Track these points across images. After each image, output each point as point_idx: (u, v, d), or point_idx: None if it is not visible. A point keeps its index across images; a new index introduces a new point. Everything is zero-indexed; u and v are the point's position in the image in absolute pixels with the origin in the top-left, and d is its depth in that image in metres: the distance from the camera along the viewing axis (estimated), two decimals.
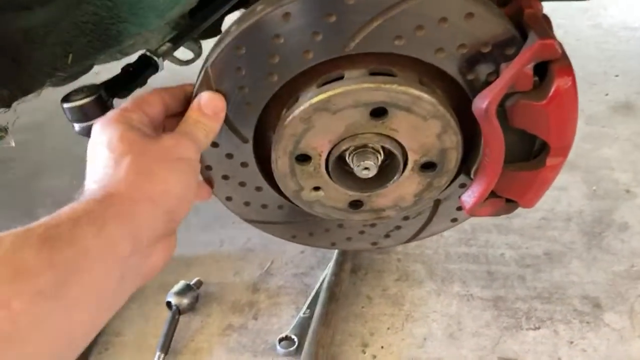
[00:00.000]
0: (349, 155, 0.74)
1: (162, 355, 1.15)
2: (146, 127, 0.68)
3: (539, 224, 1.42)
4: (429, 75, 0.71)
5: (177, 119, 0.73)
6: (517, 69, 0.63)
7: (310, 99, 0.70)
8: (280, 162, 0.75)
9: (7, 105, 0.99)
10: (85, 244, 0.52)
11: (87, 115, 0.82)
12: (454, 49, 0.66)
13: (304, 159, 0.75)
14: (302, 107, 0.70)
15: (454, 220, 0.92)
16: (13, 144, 0.92)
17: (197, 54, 1.24)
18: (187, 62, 1.21)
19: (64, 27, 0.95)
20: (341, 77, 0.71)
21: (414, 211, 0.87)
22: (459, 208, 0.91)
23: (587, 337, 1.14)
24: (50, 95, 1.04)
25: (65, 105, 0.84)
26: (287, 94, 0.73)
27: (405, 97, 0.69)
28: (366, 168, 0.73)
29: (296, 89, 0.72)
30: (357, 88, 0.68)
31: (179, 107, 0.74)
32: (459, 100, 0.73)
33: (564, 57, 0.65)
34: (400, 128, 0.72)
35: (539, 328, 1.18)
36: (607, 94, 1.87)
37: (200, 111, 0.71)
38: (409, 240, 0.96)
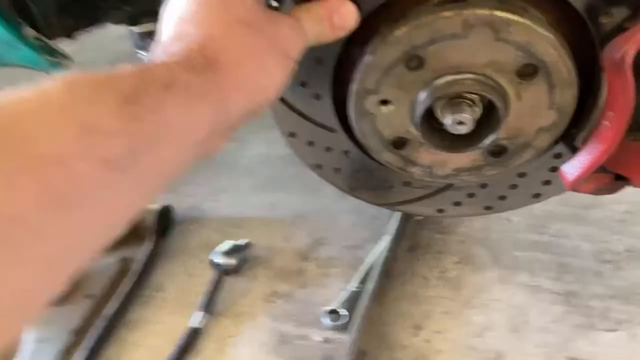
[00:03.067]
0: (442, 105, 0.64)
1: (204, 315, 1.10)
2: None
3: (622, 217, 1.28)
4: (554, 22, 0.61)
5: None
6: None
7: (493, 9, 0.58)
8: (389, 49, 0.63)
9: (71, 35, 0.94)
10: (170, 117, 0.44)
11: None
12: None
13: (415, 65, 0.64)
14: (478, 11, 0.58)
15: (537, 195, 0.81)
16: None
17: None
18: None
19: None
20: (525, 9, 0.60)
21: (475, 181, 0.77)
22: (546, 182, 0.80)
23: None
24: None
25: (136, 29, 0.77)
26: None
27: (566, 74, 0.59)
28: (461, 122, 0.62)
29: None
30: (542, 33, 0.58)
31: None
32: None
33: None
34: (525, 99, 0.62)
35: (615, 330, 1.06)
36: None
37: (329, 13, 0.59)
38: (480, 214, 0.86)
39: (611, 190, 0.71)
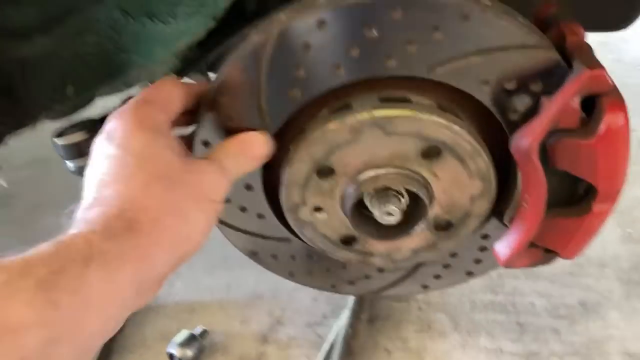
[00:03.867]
0: (370, 197, 0.66)
1: None
2: (171, 135, 0.58)
3: (571, 270, 1.31)
4: (466, 110, 0.64)
5: (184, 115, 0.64)
6: (562, 103, 0.55)
7: (372, 110, 0.61)
8: (298, 167, 0.66)
9: (1, 139, 0.93)
10: (91, 293, 0.44)
11: (83, 152, 0.75)
12: (498, 81, 0.59)
13: (325, 173, 0.66)
14: (359, 116, 0.61)
15: (470, 273, 0.82)
16: (5, 185, 0.86)
17: None
18: None
19: (64, 57, 0.90)
20: (406, 100, 0.62)
21: (403, 265, 0.78)
22: (477, 260, 0.82)
23: None
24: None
25: (59, 141, 0.78)
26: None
27: (467, 146, 0.61)
28: (389, 213, 0.64)
29: (346, 95, 0.64)
30: (427, 119, 0.60)
31: (192, 105, 0.65)
32: (491, 139, 0.65)
33: (614, 89, 0.57)
34: (443, 176, 0.64)
35: None
36: (634, 130, 1.78)
37: (245, 147, 0.62)
38: (415, 294, 0.86)
39: (545, 262, 0.73)
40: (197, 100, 0.66)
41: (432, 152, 0.62)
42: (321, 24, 0.56)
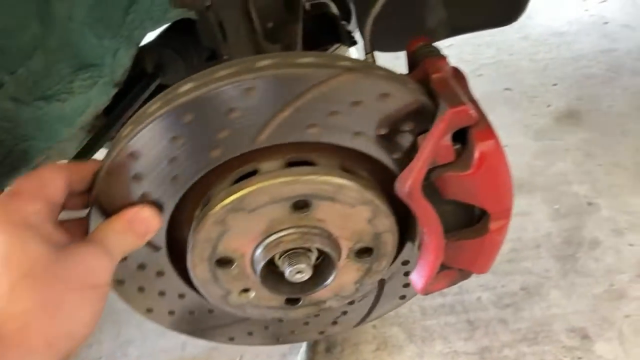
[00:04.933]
0: (279, 257, 0.66)
1: None
2: (47, 224, 0.54)
3: (510, 257, 1.36)
4: (351, 157, 0.65)
5: (78, 197, 0.61)
6: (433, 144, 0.57)
7: (222, 200, 0.62)
8: (199, 269, 0.67)
9: None
10: None
11: None
12: (372, 131, 0.60)
13: (225, 262, 0.67)
14: (214, 210, 0.62)
15: (403, 297, 0.84)
16: None
17: None
18: None
19: None
20: (256, 171, 0.63)
21: (358, 297, 0.79)
22: (406, 285, 0.84)
23: None
24: None
25: None
26: (200, 192, 0.65)
27: (326, 187, 0.62)
28: (299, 272, 0.65)
29: (209, 186, 0.64)
30: (272, 183, 0.61)
31: (84, 185, 0.62)
32: (389, 177, 0.66)
33: (481, 119, 0.59)
34: (327, 218, 0.65)
35: None
36: (549, 105, 1.86)
37: (130, 224, 0.60)
38: (358, 325, 0.88)
39: (462, 278, 0.75)
40: (90, 178, 0.64)
41: (302, 205, 0.63)
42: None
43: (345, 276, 0.72)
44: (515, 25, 2.50)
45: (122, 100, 1.12)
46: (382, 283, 0.81)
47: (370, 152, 0.62)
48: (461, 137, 0.61)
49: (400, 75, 0.61)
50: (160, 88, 1.16)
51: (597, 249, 1.32)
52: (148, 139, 0.58)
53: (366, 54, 0.75)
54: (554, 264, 1.31)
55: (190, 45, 1.17)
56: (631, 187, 1.45)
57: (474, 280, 1.32)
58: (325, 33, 1.40)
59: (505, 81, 2.03)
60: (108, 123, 1.09)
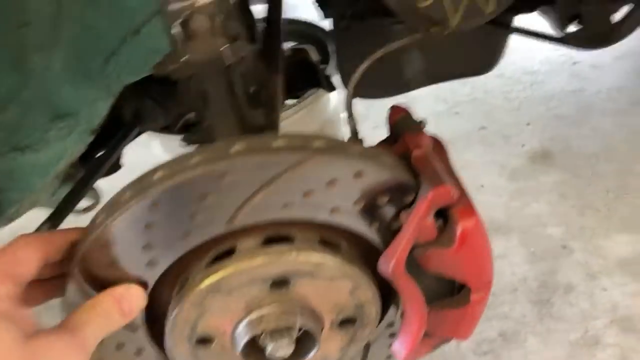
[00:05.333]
0: (260, 334, 0.66)
1: None
2: (18, 308, 0.52)
3: (488, 302, 1.36)
4: (331, 229, 0.65)
5: (52, 266, 0.59)
6: (416, 224, 0.58)
7: (199, 283, 0.61)
8: (178, 349, 0.65)
9: None
10: None
11: None
12: (350, 206, 0.61)
13: (205, 340, 0.66)
14: (191, 293, 0.61)
15: (389, 357, 0.84)
16: None
17: (96, 199, 1.15)
18: (86, 210, 1.12)
19: None
20: (233, 249, 0.63)
21: None
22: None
23: None
24: None
25: None
26: (177, 272, 0.64)
27: (305, 265, 0.62)
28: (281, 349, 0.64)
29: (186, 266, 0.64)
30: (249, 265, 0.61)
31: (59, 255, 0.60)
32: (370, 246, 0.67)
33: (462, 196, 0.60)
34: (307, 293, 0.65)
35: None
36: (523, 145, 1.90)
37: (117, 303, 0.58)
38: None
39: (444, 342, 0.76)
40: (65, 248, 0.60)
41: (281, 283, 0.63)
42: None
43: (328, 345, 0.72)
44: None
45: (96, 145, 1.11)
46: (367, 346, 0.81)
47: (349, 225, 0.63)
48: (442, 212, 0.62)
49: (377, 151, 0.61)
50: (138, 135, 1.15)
51: (571, 293, 1.34)
52: (121, 229, 0.57)
53: (347, 104, 0.76)
54: (530, 309, 1.33)
55: (170, 95, 1.17)
56: (603, 230, 1.49)
57: None
58: (305, 78, 1.41)
59: (481, 119, 2.07)
60: (87, 175, 1.08)
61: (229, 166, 0.55)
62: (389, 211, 0.63)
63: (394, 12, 0.79)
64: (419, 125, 0.69)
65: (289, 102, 1.61)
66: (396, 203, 0.62)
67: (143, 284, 0.61)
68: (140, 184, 0.56)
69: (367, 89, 1.30)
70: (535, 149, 1.88)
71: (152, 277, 0.62)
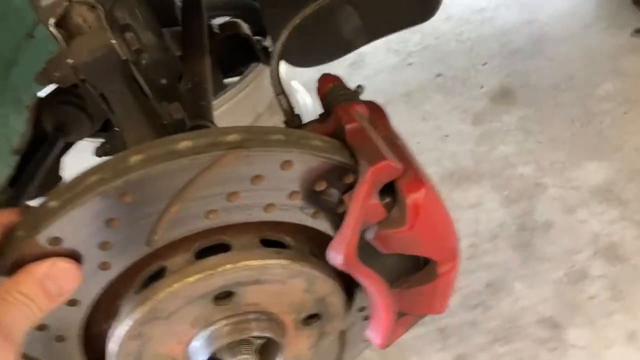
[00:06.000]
0: (218, 351, 0.60)
1: None
2: None
3: (470, 253, 1.34)
4: (271, 226, 0.59)
5: None
6: (359, 208, 0.52)
7: (130, 313, 0.55)
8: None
9: None
10: None
11: None
12: (285, 199, 0.54)
13: None
14: (124, 326, 0.55)
15: (367, 340, 0.80)
16: None
17: None
18: None
19: None
20: (163, 269, 0.56)
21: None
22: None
23: None
24: None
25: None
26: (111, 300, 0.58)
27: (247, 272, 0.56)
28: None
29: (115, 294, 0.57)
30: (183, 285, 0.54)
31: None
32: (318, 234, 0.61)
33: (408, 166, 0.54)
34: (258, 300, 0.59)
35: None
36: (482, 87, 1.85)
37: (40, 284, 0.49)
38: None
39: (420, 318, 0.71)
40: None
41: (225, 295, 0.57)
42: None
43: (297, 345, 0.67)
44: None
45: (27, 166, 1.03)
46: (342, 334, 0.76)
47: (290, 219, 0.57)
48: (389, 187, 0.56)
49: (302, 135, 0.54)
50: (68, 147, 1.05)
51: (550, 230, 1.32)
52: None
53: (274, 76, 0.68)
54: (512, 254, 1.30)
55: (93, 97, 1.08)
56: (573, 161, 1.46)
57: None
58: (241, 53, 1.32)
59: (435, 67, 2.01)
60: (15, 195, 0.99)
61: (127, 183, 0.47)
62: (332, 196, 0.57)
63: None
64: (353, 94, 0.62)
65: (230, 80, 1.52)
66: (337, 186, 0.56)
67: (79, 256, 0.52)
68: (32, 217, 0.49)
69: (307, 55, 1.22)
70: (494, 88, 1.83)
71: (79, 314, 0.55)
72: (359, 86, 0.70)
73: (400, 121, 1.90)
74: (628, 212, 1.28)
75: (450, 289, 0.66)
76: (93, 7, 0.58)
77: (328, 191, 0.56)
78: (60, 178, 1.12)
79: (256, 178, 0.51)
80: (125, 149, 0.52)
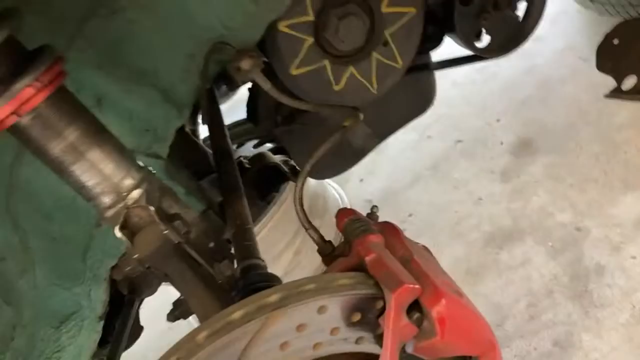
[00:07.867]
0: None
1: None
2: None
3: (530, 314, 1.34)
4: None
5: None
6: (393, 333, 0.59)
7: None
8: None
9: None
10: None
11: None
12: (328, 336, 0.62)
13: None
14: None
15: None
16: None
17: None
18: None
19: None
20: None
21: None
22: None
23: None
24: None
25: None
26: None
27: None
28: None
29: None
30: None
31: None
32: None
33: (425, 282, 0.62)
34: None
35: None
36: (502, 143, 1.91)
37: None
38: None
39: None
40: None
41: None
42: None
43: None
44: (438, 73, 2.58)
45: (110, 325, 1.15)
46: None
47: (335, 351, 0.64)
48: (417, 302, 0.63)
49: (331, 278, 0.63)
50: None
51: (604, 273, 1.32)
52: None
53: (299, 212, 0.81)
54: (572, 304, 1.30)
55: None
56: (608, 198, 1.47)
57: (505, 353, 1.31)
58: (272, 178, 1.46)
59: (453, 134, 2.09)
60: (109, 357, 1.11)
61: (204, 356, 0.57)
62: (369, 322, 0.64)
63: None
64: (367, 225, 0.71)
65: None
66: (371, 312, 0.63)
67: None
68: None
69: (327, 170, 1.34)
70: (513, 142, 1.89)
71: None
72: (374, 207, 0.79)
73: (433, 194, 1.98)
74: None
75: None
76: (145, 207, 0.71)
77: (364, 319, 0.63)
78: (142, 328, 1.26)
79: (300, 326, 0.60)
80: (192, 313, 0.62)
